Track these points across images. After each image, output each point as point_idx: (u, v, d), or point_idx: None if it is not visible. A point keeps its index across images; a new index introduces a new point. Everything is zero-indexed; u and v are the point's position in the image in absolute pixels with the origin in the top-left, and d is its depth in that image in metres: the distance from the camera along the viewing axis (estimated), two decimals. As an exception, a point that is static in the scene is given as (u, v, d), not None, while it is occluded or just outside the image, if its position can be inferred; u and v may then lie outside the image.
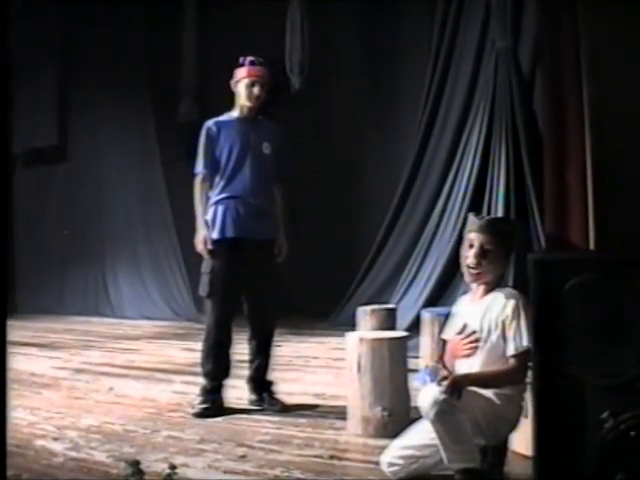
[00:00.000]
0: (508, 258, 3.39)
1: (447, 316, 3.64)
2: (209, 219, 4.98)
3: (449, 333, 3.48)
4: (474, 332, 3.26)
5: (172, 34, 10.70)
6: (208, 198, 5.04)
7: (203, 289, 5.01)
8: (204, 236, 4.92)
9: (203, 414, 4.86)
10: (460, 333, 3.34)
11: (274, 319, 5.25)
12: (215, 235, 4.94)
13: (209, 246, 4.91)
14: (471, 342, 3.25)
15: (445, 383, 2.98)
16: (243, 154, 5.04)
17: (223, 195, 5.00)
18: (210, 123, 5.11)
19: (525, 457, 3.46)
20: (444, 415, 2.97)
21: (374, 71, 10.24)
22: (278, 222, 5.20)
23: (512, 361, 3.15)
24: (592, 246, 3.06)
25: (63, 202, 12.11)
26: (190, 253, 10.14)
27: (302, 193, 9.04)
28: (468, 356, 3.26)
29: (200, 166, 5.06)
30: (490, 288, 3.33)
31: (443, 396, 2.96)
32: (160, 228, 11.14)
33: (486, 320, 3.23)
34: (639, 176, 3.07)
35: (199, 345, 5.15)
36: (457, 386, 2.98)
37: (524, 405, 3.23)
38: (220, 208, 4.97)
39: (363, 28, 10.37)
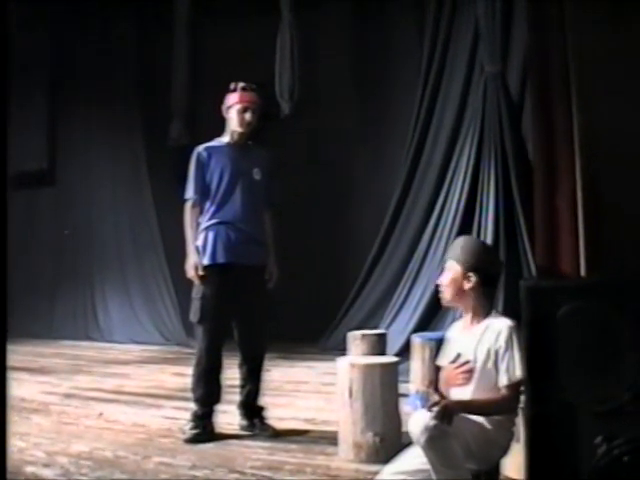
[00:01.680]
0: (484, 292, 3.36)
1: (441, 341, 3.65)
2: (200, 245, 4.99)
3: (443, 360, 3.49)
4: (467, 362, 3.26)
5: (163, 58, 10.72)
6: (198, 224, 5.04)
7: (194, 315, 5.00)
8: (195, 262, 4.93)
9: (195, 439, 4.84)
10: (454, 362, 3.34)
11: (265, 345, 5.25)
12: (206, 261, 4.94)
13: (200, 272, 4.91)
14: (464, 372, 3.25)
15: (436, 409, 2.98)
16: (234, 180, 5.05)
17: (214, 221, 5.01)
18: (200, 149, 5.12)
19: (517, 482, 3.48)
20: (435, 441, 2.96)
21: (363, 96, 10.29)
22: (268, 247, 5.21)
23: (504, 391, 3.15)
24: (583, 271, 3.08)
25: (52, 225, 12.06)
26: (180, 277, 10.14)
27: (291, 217, 9.04)
28: (462, 385, 3.26)
29: (191, 192, 5.06)
30: (480, 316, 3.33)
31: (434, 422, 2.94)
32: (149, 252, 11.11)
33: (479, 349, 3.23)
34: (629, 201, 3.10)
35: (189, 370, 5.14)
36: (448, 412, 2.98)
37: (515, 430, 3.23)
38: (211, 234, 4.97)
39: (353, 54, 10.43)
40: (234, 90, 5.14)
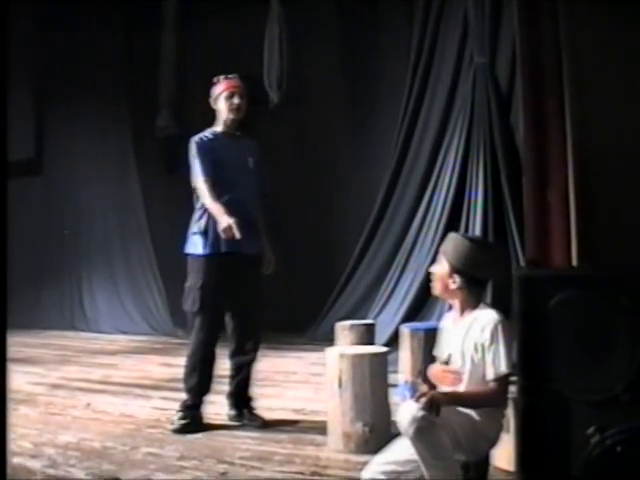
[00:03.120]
0: (470, 291, 3.35)
1: (430, 331, 3.66)
2: (200, 230, 4.93)
3: (438, 351, 3.49)
4: (457, 371, 3.25)
5: (151, 48, 10.68)
6: (202, 205, 4.97)
7: (192, 304, 4.94)
8: (229, 222, 4.69)
9: (183, 430, 4.83)
10: (446, 362, 3.34)
11: (260, 335, 5.23)
12: (208, 250, 4.90)
13: (235, 231, 4.69)
14: (454, 377, 3.24)
15: (423, 400, 2.97)
16: (232, 168, 5.04)
17: None
18: (197, 138, 5.08)
19: (507, 472, 3.48)
20: (423, 432, 2.94)
21: (352, 86, 10.26)
22: (264, 236, 5.20)
23: (492, 385, 3.15)
24: (574, 263, 3.08)
25: (39, 215, 12.01)
26: (167, 267, 10.21)
27: (279, 208, 9.03)
28: (450, 386, 3.26)
29: (201, 173, 4.95)
30: (467, 309, 3.33)
31: (421, 413, 2.94)
32: (137, 242, 11.08)
33: (467, 343, 3.23)
34: (621, 194, 3.09)
35: (177, 360, 5.14)
36: (435, 403, 2.97)
37: (504, 422, 3.23)
38: (212, 222, 4.91)
39: (342, 44, 10.39)
40: (218, 82, 5.16)
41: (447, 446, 3.02)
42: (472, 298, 3.32)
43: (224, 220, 4.73)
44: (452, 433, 3.05)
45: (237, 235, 4.69)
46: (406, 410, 3.00)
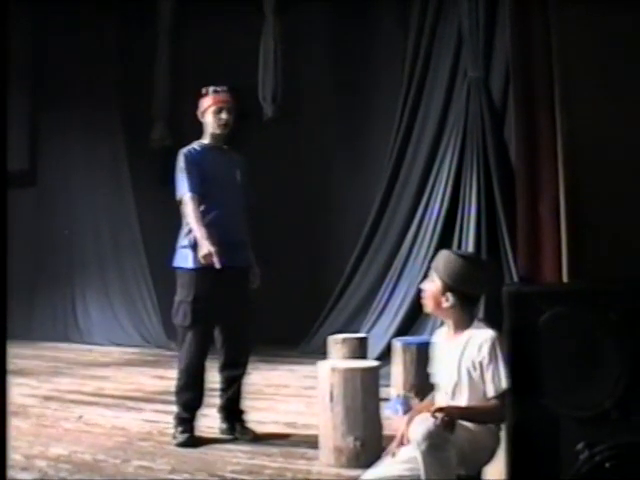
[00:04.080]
0: (463, 308, 3.36)
1: (422, 345, 3.66)
2: (190, 244, 4.93)
3: (434, 368, 3.49)
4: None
5: (144, 59, 10.70)
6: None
7: (184, 319, 4.93)
8: (209, 250, 4.74)
9: (187, 443, 4.82)
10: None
11: (250, 349, 5.24)
12: (198, 263, 4.88)
13: (215, 258, 4.74)
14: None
15: (440, 416, 2.95)
16: (221, 182, 5.06)
17: (204, 221, 4.92)
18: (185, 150, 5.10)
19: (499, 488, 3.48)
20: (436, 449, 2.92)
21: (346, 100, 10.27)
22: (250, 249, 5.21)
23: (493, 401, 3.16)
24: (565, 278, 3.08)
25: (32, 226, 11.97)
26: (160, 279, 10.20)
27: (271, 220, 9.05)
28: None
29: (188, 188, 4.96)
30: (461, 327, 3.34)
31: (437, 429, 2.93)
32: (130, 253, 11.06)
33: (463, 362, 3.24)
34: (612, 207, 3.10)
35: (169, 373, 5.14)
36: (451, 419, 2.96)
37: (501, 434, 3.23)
38: None
39: (336, 57, 10.41)
40: (206, 94, 5.17)
41: (453, 464, 3.01)
42: (465, 316, 3.33)
43: (205, 246, 4.78)
44: (459, 449, 3.05)
45: (217, 265, 4.74)
46: (421, 424, 2.99)
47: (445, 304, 3.30)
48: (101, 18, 11.06)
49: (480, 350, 3.18)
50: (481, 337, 3.22)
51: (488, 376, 3.15)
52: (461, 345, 3.28)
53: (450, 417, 2.96)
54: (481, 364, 3.17)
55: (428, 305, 3.40)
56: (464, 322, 3.32)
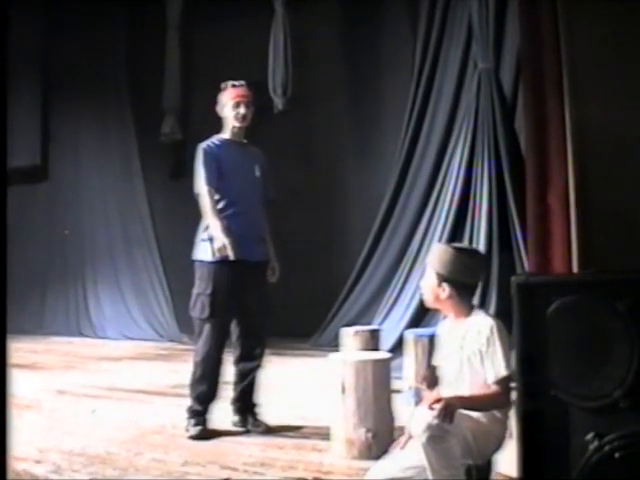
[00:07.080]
0: (461, 298, 3.37)
1: (434, 338, 3.66)
2: (210, 237, 4.91)
3: (437, 360, 3.51)
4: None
5: (155, 54, 10.72)
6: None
7: (202, 311, 4.93)
8: (224, 243, 4.78)
9: (201, 436, 4.83)
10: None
11: (265, 342, 5.24)
12: (217, 257, 4.89)
13: (229, 252, 4.78)
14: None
15: (437, 406, 2.97)
16: (241, 176, 5.07)
17: (223, 215, 4.94)
18: (204, 145, 5.09)
19: (509, 478, 3.48)
20: (436, 440, 2.94)
21: (357, 92, 10.27)
22: (269, 243, 5.22)
23: (494, 387, 3.17)
24: (575, 268, 3.08)
25: (44, 221, 12.02)
26: (172, 272, 10.22)
27: (283, 213, 9.05)
28: None
29: (205, 182, 4.96)
30: (461, 316, 3.35)
31: (436, 421, 2.94)
32: (142, 247, 11.09)
33: (464, 350, 3.26)
34: (620, 198, 3.10)
35: (182, 366, 5.15)
36: (450, 409, 2.97)
37: (509, 424, 3.24)
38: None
39: (346, 50, 10.41)
40: (225, 89, 5.17)
41: (456, 454, 3.02)
42: (464, 304, 3.35)
43: (220, 239, 4.80)
44: (463, 439, 3.06)
45: (231, 256, 4.77)
46: (420, 416, 3.00)
47: (442, 295, 3.33)
48: (112, 14, 11.08)
49: (479, 338, 3.20)
50: (480, 324, 3.24)
51: (488, 363, 3.17)
52: (461, 334, 3.30)
53: (448, 408, 2.96)
54: (481, 351, 3.19)
55: (427, 300, 3.44)
56: (463, 312, 3.35)
